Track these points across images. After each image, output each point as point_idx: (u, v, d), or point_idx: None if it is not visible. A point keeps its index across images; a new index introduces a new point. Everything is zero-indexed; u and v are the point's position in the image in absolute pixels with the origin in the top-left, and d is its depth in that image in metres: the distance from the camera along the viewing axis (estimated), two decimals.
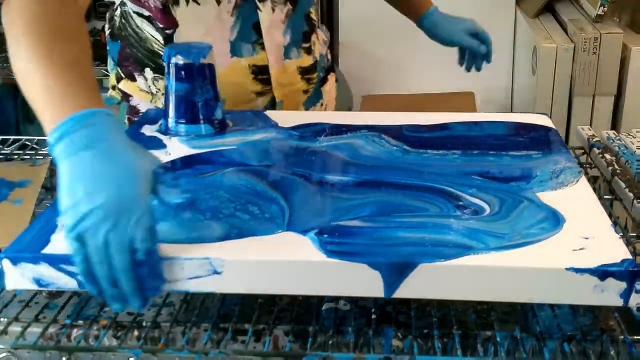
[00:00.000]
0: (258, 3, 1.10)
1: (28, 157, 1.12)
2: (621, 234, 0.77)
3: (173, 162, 0.92)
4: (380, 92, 2.45)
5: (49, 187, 1.02)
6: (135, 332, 0.73)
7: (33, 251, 0.71)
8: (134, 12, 1.13)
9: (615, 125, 2.09)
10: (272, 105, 1.17)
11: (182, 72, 0.98)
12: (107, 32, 1.20)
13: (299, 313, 0.75)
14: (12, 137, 1.18)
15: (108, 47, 1.21)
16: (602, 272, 0.66)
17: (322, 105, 1.26)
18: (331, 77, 1.30)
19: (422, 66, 2.42)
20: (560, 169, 0.88)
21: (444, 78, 2.15)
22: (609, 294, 0.67)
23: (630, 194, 0.88)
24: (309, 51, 1.19)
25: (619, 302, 0.67)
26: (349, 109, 2.27)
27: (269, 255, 0.69)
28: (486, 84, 2.38)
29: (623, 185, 0.90)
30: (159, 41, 1.12)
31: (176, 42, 1.10)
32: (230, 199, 0.80)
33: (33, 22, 0.79)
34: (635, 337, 0.70)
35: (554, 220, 0.75)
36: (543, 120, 1.06)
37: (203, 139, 0.98)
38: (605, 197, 0.91)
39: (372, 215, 0.76)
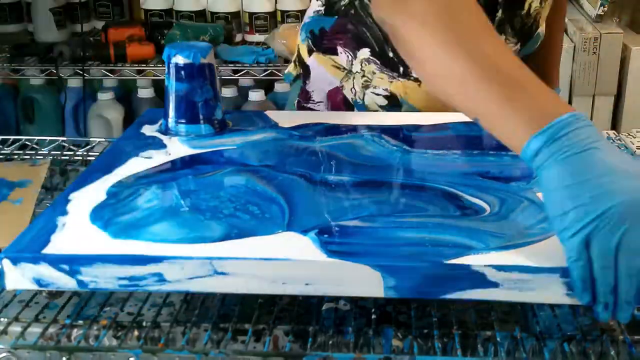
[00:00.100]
0: None
1: (28, 157, 1.12)
2: None
3: (173, 162, 0.92)
4: None
5: (49, 187, 1.02)
6: (135, 332, 0.73)
7: (33, 251, 0.71)
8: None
9: (615, 125, 2.09)
10: None
11: (182, 72, 0.98)
12: (318, 6, 1.19)
13: (299, 313, 0.75)
14: (12, 137, 1.18)
15: (313, 21, 1.19)
16: None
17: None
18: None
19: None
20: None
21: None
22: None
23: None
24: None
25: None
26: None
27: (269, 255, 0.69)
28: None
29: None
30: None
31: (177, 42, 1.10)
32: (230, 199, 0.80)
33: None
34: (635, 337, 0.70)
35: None
36: None
37: (203, 139, 0.98)
38: None
39: (372, 215, 0.76)
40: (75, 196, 0.81)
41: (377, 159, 0.92)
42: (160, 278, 0.69)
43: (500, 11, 1.06)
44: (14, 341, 0.71)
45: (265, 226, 0.74)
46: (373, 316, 0.73)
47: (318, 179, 0.85)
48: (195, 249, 0.70)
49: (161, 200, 0.81)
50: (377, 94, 1.16)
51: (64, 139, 1.19)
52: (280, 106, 2.10)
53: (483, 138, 0.98)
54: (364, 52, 1.16)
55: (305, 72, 1.21)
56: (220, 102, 1.02)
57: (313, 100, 1.21)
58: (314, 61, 1.20)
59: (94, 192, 0.82)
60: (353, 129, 1.01)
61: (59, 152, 1.15)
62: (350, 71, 1.17)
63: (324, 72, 1.20)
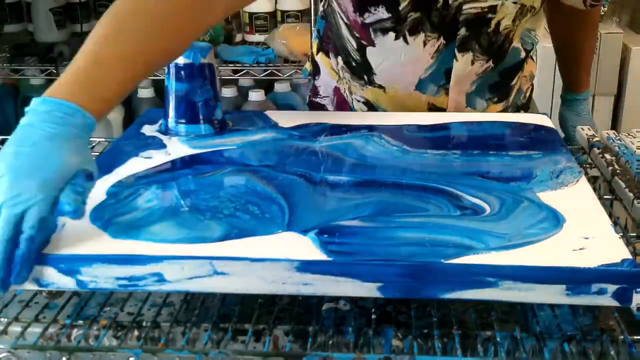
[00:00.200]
0: (457, 53, 1.09)
1: None
2: (621, 234, 0.77)
3: (173, 162, 0.92)
4: None
5: None
6: (135, 332, 0.73)
7: None
8: (337, 11, 1.13)
9: (615, 125, 2.09)
10: None
11: (182, 72, 0.98)
12: (321, 8, 1.22)
13: (299, 313, 0.75)
14: None
15: (318, 21, 1.23)
16: (602, 272, 0.66)
17: None
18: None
19: None
20: (560, 169, 0.88)
21: None
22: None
23: (630, 194, 0.88)
24: (499, 100, 1.18)
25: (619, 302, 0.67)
26: None
27: (269, 255, 0.69)
28: None
29: (623, 185, 0.90)
30: (351, 43, 1.13)
31: None
32: (230, 199, 0.80)
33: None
34: (635, 337, 0.70)
35: (554, 220, 0.75)
36: (543, 120, 1.06)
37: (203, 139, 0.98)
38: (605, 197, 0.91)
39: (372, 215, 0.76)
40: None
41: (377, 159, 0.92)
42: (160, 278, 0.69)
43: (463, 29, 1.07)
44: (14, 341, 0.71)
45: (265, 226, 0.74)
46: (373, 316, 0.73)
47: (318, 179, 0.85)
48: (195, 249, 0.70)
49: (161, 200, 0.81)
50: (358, 100, 1.18)
51: None
52: (280, 106, 2.10)
53: (483, 138, 0.98)
54: (340, 60, 1.18)
55: (315, 68, 1.24)
56: (220, 102, 1.02)
57: (320, 95, 1.23)
58: (319, 60, 1.23)
59: (94, 192, 0.82)
60: (353, 128, 1.02)
61: None
62: (340, 76, 1.19)
63: (326, 72, 1.22)
